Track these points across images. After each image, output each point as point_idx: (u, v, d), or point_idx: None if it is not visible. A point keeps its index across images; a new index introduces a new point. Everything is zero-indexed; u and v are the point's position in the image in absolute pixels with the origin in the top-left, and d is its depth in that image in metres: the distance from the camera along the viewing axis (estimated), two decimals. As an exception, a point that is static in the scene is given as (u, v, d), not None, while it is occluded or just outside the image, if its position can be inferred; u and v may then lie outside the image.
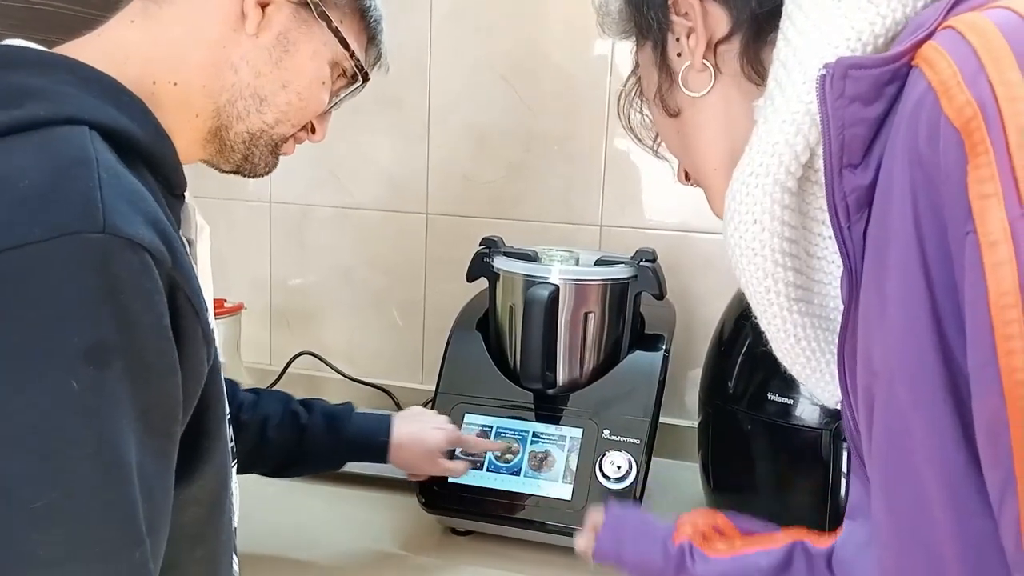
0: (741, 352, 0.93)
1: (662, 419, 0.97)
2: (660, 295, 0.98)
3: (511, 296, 0.99)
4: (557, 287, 0.93)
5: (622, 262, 0.99)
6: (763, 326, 0.52)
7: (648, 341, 1.00)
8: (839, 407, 0.54)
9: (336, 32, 0.64)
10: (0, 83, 0.49)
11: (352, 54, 0.66)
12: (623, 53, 0.66)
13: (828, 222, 0.47)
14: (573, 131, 1.22)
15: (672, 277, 1.01)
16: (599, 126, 1.20)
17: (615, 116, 1.18)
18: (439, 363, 1.02)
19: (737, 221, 0.49)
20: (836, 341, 0.51)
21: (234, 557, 0.63)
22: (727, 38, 0.52)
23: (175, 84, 0.58)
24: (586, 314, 0.96)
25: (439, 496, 0.93)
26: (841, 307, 0.49)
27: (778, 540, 0.68)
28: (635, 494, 0.89)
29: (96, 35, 0.58)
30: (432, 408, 0.99)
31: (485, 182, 1.26)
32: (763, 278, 0.49)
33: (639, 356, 0.99)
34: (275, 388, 1.30)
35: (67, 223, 0.43)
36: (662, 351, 0.98)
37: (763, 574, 0.66)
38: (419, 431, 0.91)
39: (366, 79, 0.69)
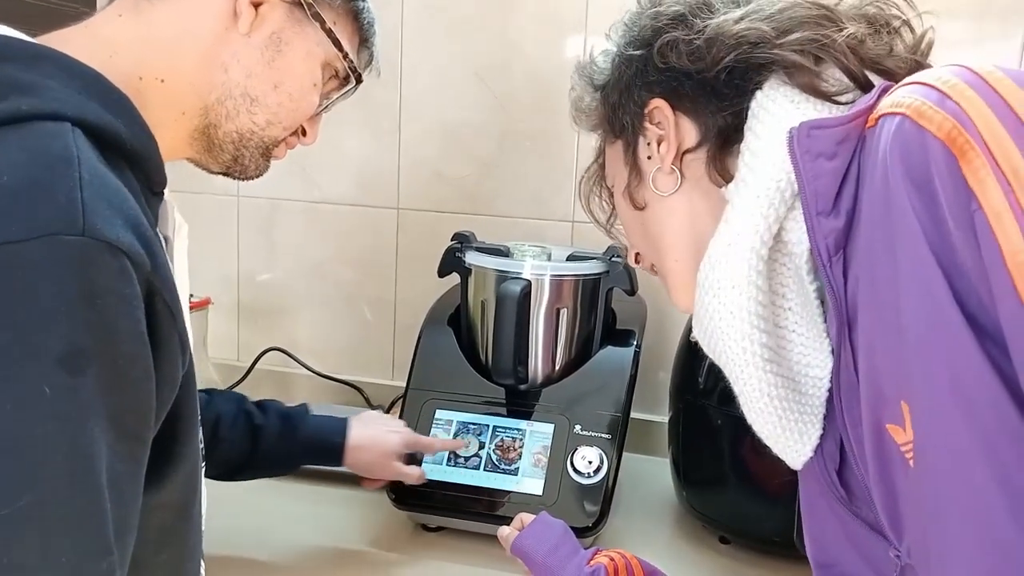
0: (711, 348, 0.94)
1: (633, 414, 0.97)
2: (632, 291, 0.99)
3: (483, 291, 0.98)
4: (529, 282, 0.93)
5: (594, 258, 0.99)
6: (737, 388, 0.56)
7: (620, 337, 1.01)
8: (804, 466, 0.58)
9: (330, 33, 0.63)
10: None
11: (346, 55, 0.65)
12: (597, 50, 0.68)
13: (788, 295, 0.54)
14: (545, 127, 1.22)
15: (643, 273, 1.01)
16: (571, 122, 1.20)
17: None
18: (410, 359, 1.02)
19: (716, 288, 0.54)
20: (803, 402, 0.55)
21: (201, 562, 0.62)
22: (694, 148, 0.59)
23: (163, 81, 0.57)
24: (558, 309, 0.96)
25: (409, 493, 0.92)
26: (806, 372, 0.55)
27: None
28: (606, 489, 0.89)
29: (82, 27, 0.57)
30: (403, 404, 0.99)
31: (457, 178, 1.26)
32: (740, 339, 0.54)
33: (611, 352, 0.99)
34: (240, 385, 1.29)
35: (46, 224, 0.41)
36: (633, 346, 0.99)
37: None
38: (375, 434, 0.90)
39: (359, 81, 0.68)
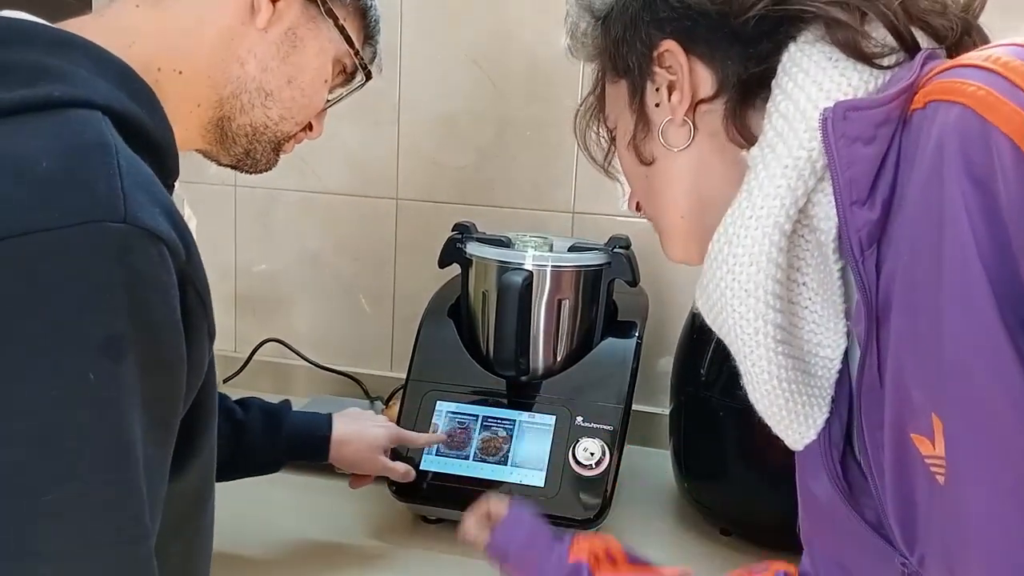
0: (713, 339, 0.93)
1: (635, 406, 0.96)
2: (633, 282, 0.98)
3: (484, 282, 0.97)
4: (531, 273, 0.92)
5: (596, 248, 0.99)
6: (745, 368, 0.53)
7: (621, 328, 1.00)
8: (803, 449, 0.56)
9: (342, 30, 0.64)
10: (14, 59, 0.47)
11: (357, 52, 0.66)
12: None
13: (805, 270, 0.50)
14: (545, 116, 1.21)
15: (645, 264, 1.00)
16: (571, 111, 1.19)
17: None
18: (409, 351, 1.01)
19: (732, 263, 0.50)
20: (811, 383, 0.52)
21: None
22: (711, 99, 0.53)
23: (180, 72, 0.58)
24: (560, 301, 0.96)
25: (410, 485, 0.91)
26: (816, 352, 0.52)
27: (666, 572, 0.70)
28: (608, 481, 0.89)
29: (98, 16, 0.57)
30: (403, 395, 0.98)
31: (456, 167, 1.25)
32: (753, 319, 0.50)
33: (612, 343, 0.98)
34: (238, 376, 1.29)
35: (88, 210, 0.41)
36: (635, 338, 0.98)
37: None
38: (360, 428, 0.89)
39: (369, 77, 0.69)
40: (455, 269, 1.02)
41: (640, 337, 0.99)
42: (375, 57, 0.72)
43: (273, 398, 0.91)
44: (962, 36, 0.50)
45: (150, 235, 0.43)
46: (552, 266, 0.95)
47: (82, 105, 0.46)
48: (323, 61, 0.65)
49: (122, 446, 0.43)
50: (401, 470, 0.90)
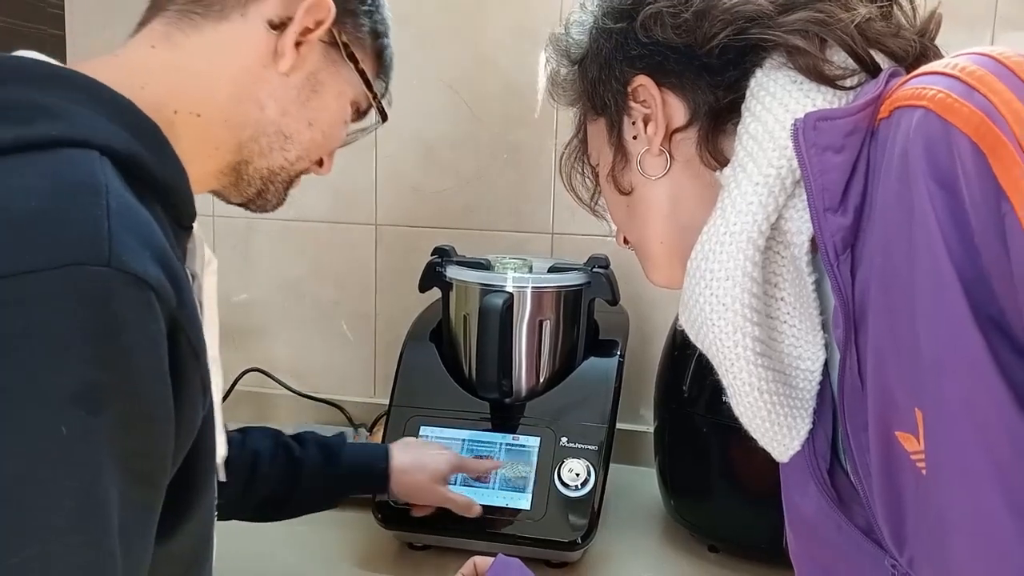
0: (695, 356, 0.93)
1: (619, 425, 0.97)
2: (614, 301, 0.99)
3: (465, 305, 0.98)
4: (512, 295, 0.93)
5: (575, 269, 0.99)
6: (727, 381, 0.54)
7: (603, 347, 1.00)
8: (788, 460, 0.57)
9: (362, 74, 0.64)
10: (12, 96, 0.45)
11: (375, 96, 0.66)
12: (572, 19, 0.66)
13: (782, 284, 0.51)
14: (521, 139, 1.22)
15: (625, 283, 1.01)
16: (547, 133, 1.20)
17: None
18: (392, 376, 1.01)
19: (709, 278, 0.52)
20: (792, 395, 0.54)
21: None
22: (684, 127, 0.56)
23: (198, 115, 0.56)
24: (541, 322, 0.96)
25: (396, 512, 0.91)
26: (797, 364, 0.53)
27: None
28: (594, 501, 0.89)
29: (112, 57, 0.56)
30: (387, 421, 0.97)
31: (434, 192, 1.25)
32: (732, 332, 0.51)
33: (594, 363, 0.99)
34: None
35: (70, 253, 0.39)
36: (617, 357, 0.98)
37: None
38: (419, 456, 0.88)
39: (385, 119, 0.70)
40: (436, 293, 1.02)
41: (622, 356, 0.99)
42: (385, 94, 0.72)
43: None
44: (919, 57, 0.52)
45: (136, 280, 0.41)
46: (532, 287, 0.95)
47: (79, 144, 0.44)
48: (342, 103, 0.64)
49: (94, 506, 0.40)
50: (463, 502, 0.88)
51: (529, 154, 1.21)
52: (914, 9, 0.54)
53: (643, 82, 0.56)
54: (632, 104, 0.58)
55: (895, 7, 0.53)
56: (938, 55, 0.53)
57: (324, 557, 0.92)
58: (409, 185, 1.26)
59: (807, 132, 0.47)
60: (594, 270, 0.98)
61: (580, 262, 1.01)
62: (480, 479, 0.92)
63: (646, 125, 0.57)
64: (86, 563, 0.40)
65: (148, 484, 0.44)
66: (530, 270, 1.00)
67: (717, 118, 0.54)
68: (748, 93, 0.52)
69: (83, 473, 0.40)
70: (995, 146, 0.38)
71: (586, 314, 0.99)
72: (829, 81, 0.50)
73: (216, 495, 0.55)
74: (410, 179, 1.26)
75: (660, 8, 0.54)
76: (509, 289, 0.93)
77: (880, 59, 0.51)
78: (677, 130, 0.56)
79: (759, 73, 0.52)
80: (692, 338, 0.55)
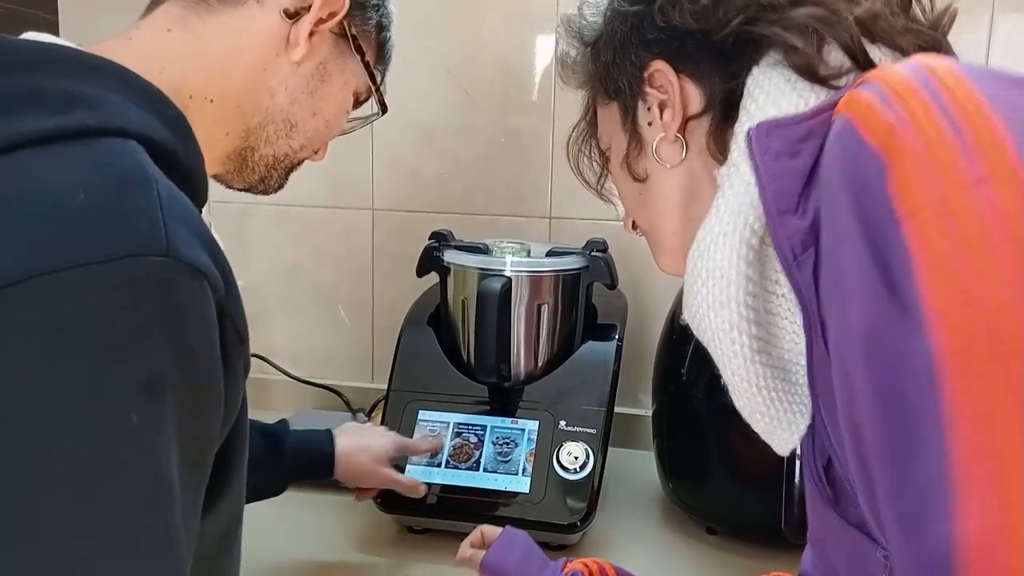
0: (693, 340, 0.93)
1: (617, 409, 0.97)
2: (612, 285, 0.98)
3: (463, 290, 0.97)
4: (510, 279, 0.92)
5: (574, 253, 0.99)
6: (726, 377, 0.54)
7: (601, 331, 1.00)
8: (791, 454, 0.57)
9: (368, 66, 0.65)
10: (45, 85, 0.45)
11: (378, 88, 0.68)
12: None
13: (781, 281, 0.51)
14: (519, 124, 1.21)
15: (623, 267, 1.01)
16: (545, 117, 1.20)
17: (561, 107, 1.18)
18: (390, 361, 1.01)
19: (705, 277, 0.52)
20: (792, 391, 0.54)
21: None
22: (699, 115, 0.55)
23: (211, 100, 0.57)
24: (539, 306, 0.96)
25: (395, 496, 0.91)
26: (798, 360, 0.53)
27: None
28: (593, 484, 0.89)
29: (127, 39, 0.56)
30: (385, 406, 0.98)
31: (431, 176, 1.25)
32: (728, 330, 0.51)
33: (593, 346, 0.99)
34: None
35: (129, 245, 0.40)
36: (615, 340, 0.98)
37: None
38: (363, 440, 0.88)
39: (385, 110, 0.71)
40: (433, 278, 1.02)
41: (620, 339, 0.99)
42: (382, 85, 0.73)
43: (252, 413, 0.90)
44: (932, 52, 0.52)
45: (192, 269, 0.41)
46: (531, 271, 0.95)
47: (116, 134, 0.44)
48: (347, 94, 0.66)
49: (163, 489, 0.41)
50: (407, 483, 0.88)
51: (527, 139, 1.21)
52: (932, 2, 0.53)
53: (660, 67, 0.56)
54: (648, 89, 0.57)
55: (914, 1, 0.53)
56: (950, 51, 0.53)
57: (323, 541, 0.92)
58: (407, 170, 1.26)
59: (760, 139, 0.48)
60: (592, 254, 0.98)
61: (578, 246, 1.01)
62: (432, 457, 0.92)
63: (662, 111, 0.57)
64: (158, 545, 0.41)
65: (199, 467, 0.45)
66: (528, 254, 0.99)
67: (729, 107, 0.54)
68: (745, 91, 0.52)
69: (153, 457, 0.40)
70: (897, 157, 0.39)
71: (584, 298, 0.99)
72: (822, 81, 0.50)
73: (246, 475, 0.55)
74: (408, 164, 1.25)
75: None
76: (507, 273, 0.93)
77: (886, 54, 0.51)
78: (692, 117, 0.56)
79: (755, 70, 0.52)
80: (695, 334, 0.56)
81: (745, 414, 0.56)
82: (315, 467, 0.86)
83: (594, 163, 0.69)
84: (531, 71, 1.20)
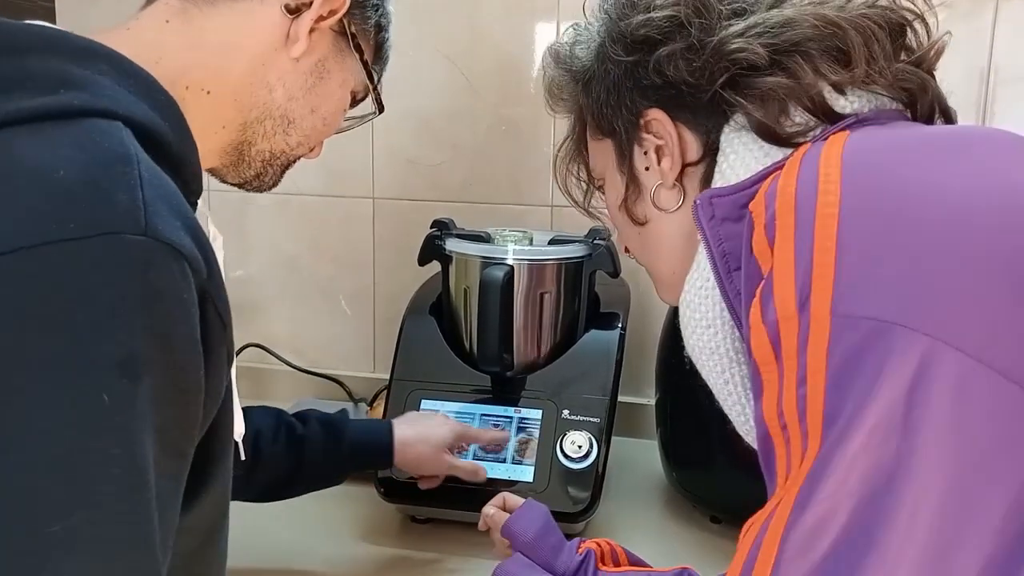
0: (696, 328, 0.93)
1: (620, 397, 0.96)
2: (615, 273, 0.98)
3: (465, 279, 0.97)
4: (512, 268, 0.92)
5: (576, 241, 0.98)
6: (725, 409, 0.57)
7: (604, 320, 1.00)
8: None
9: (366, 65, 0.65)
10: (36, 66, 0.45)
11: (375, 87, 0.67)
12: (572, 28, 0.66)
13: None
14: (520, 112, 1.20)
15: (627, 256, 1.00)
16: (545, 104, 1.19)
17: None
18: (392, 351, 1.00)
19: (694, 326, 0.55)
20: None
21: None
22: (697, 162, 0.57)
23: (208, 92, 0.56)
24: (542, 294, 0.95)
25: (398, 485, 0.91)
26: None
27: (666, 570, 0.72)
28: (597, 473, 0.89)
29: (124, 29, 0.56)
30: (387, 395, 0.97)
31: (432, 165, 1.24)
32: (721, 372, 0.55)
33: (596, 335, 0.98)
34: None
35: (108, 221, 0.39)
36: (618, 329, 0.98)
37: None
38: (423, 428, 0.88)
39: (382, 110, 0.71)
40: (435, 267, 1.01)
41: (623, 328, 0.99)
42: (379, 85, 0.73)
43: (254, 404, 0.89)
44: (918, 91, 0.54)
45: (172, 250, 0.41)
46: (533, 260, 0.95)
47: (101, 115, 0.44)
48: (344, 92, 0.65)
49: (136, 473, 0.40)
50: (469, 468, 0.88)
51: (527, 126, 1.20)
52: (928, 32, 0.55)
53: (657, 116, 0.57)
54: (644, 135, 0.58)
55: (909, 30, 0.54)
56: (936, 90, 0.55)
57: (327, 531, 0.92)
58: (406, 158, 1.25)
59: (704, 207, 0.51)
60: (595, 242, 0.98)
61: (580, 234, 1.00)
62: (488, 449, 0.91)
63: (659, 158, 0.58)
64: (130, 529, 0.41)
65: (178, 454, 0.44)
66: (530, 242, 0.99)
67: (718, 155, 0.56)
68: (720, 148, 0.55)
69: (126, 441, 0.40)
70: (756, 221, 0.45)
71: (587, 286, 0.99)
72: (785, 141, 0.52)
73: (232, 469, 0.55)
74: (407, 152, 1.25)
75: (675, 50, 0.55)
76: (510, 262, 0.93)
77: (865, 99, 0.53)
78: (690, 164, 0.57)
79: (726, 128, 0.54)
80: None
81: (748, 440, 0.58)
82: (375, 457, 0.86)
83: (582, 182, 0.71)
84: (531, 58, 1.19)
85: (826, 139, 0.49)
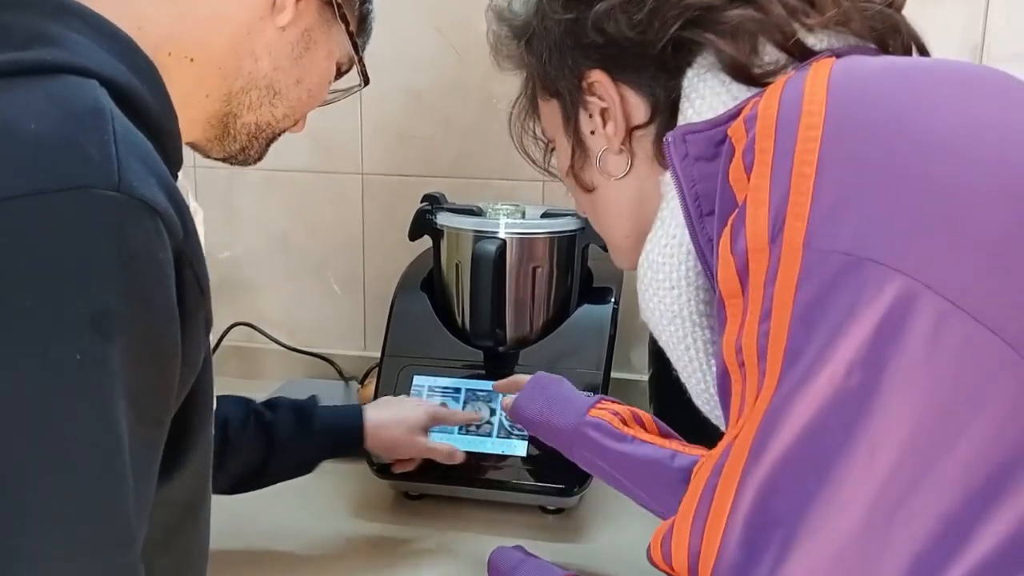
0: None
1: (613, 373, 0.96)
2: (606, 245, 0.97)
3: (457, 253, 0.96)
4: (504, 242, 0.91)
5: (569, 215, 0.97)
6: (683, 378, 0.55)
7: (597, 294, 0.99)
8: None
9: (352, 36, 0.64)
10: (13, 22, 0.44)
11: (361, 58, 0.67)
12: None
13: None
14: (512, 85, 1.18)
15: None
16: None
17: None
18: (382, 328, 0.99)
19: (655, 288, 0.53)
20: None
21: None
22: (645, 124, 0.55)
23: (192, 60, 0.55)
24: (534, 268, 0.94)
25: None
26: None
27: (692, 450, 0.70)
28: (590, 448, 0.88)
29: None
30: (379, 371, 0.96)
31: (422, 139, 1.22)
32: (683, 338, 0.53)
33: (589, 310, 0.97)
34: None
35: (80, 176, 0.38)
36: (611, 304, 0.97)
37: (670, 473, 0.67)
38: (396, 411, 0.87)
39: (367, 82, 0.70)
40: (426, 242, 1.00)
41: (616, 303, 0.98)
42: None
43: (243, 383, 0.89)
44: (889, 31, 0.51)
45: (146, 207, 0.40)
46: (525, 234, 0.94)
47: (78, 72, 0.43)
48: (330, 63, 0.65)
49: (109, 438, 0.39)
50: (446, 451, 0.87)
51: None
52: None
53: (599, 78, 0.55)
54: (588, 98, 0.56)
55: None
56: (908, 27, 0.52)
57: (319, 508, 0.92)
58: (395, 132, 1.23)
59: (677, 145, 0.48)
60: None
61: (573, 208, 0.99)
62: (469, 429, 0.91)
63: (604, 121, 0.56)
64: (104, 493, 0.40)
65: (153, 421, 0.43)
66: (523, 216, 0.98)
67: (673, 113, 0.53)
68: (682, 95, 0.52)
69: (99, 401, 0.39)
70: (736, 146, 0.43)
71: (580, 261, 0.98)
72: (756, 81, 0.50)
73: (212, 442, 0.54)
74: (396, 126, 1.23)
75: (614, 4, 0.52)
76: (502, 236, 0.92)
77: (833, 38, 0.51)
78: (637, 127, 0.55)
79: (689, 72, 0.52)
80: (653, 334, 0.57)
81: (705, 410, 0.57)
82: (346, 440, 0.85)
83: (539, 141, 0.68)
84: (523, 30, 1.17)
85: (810, 66, 0.46)
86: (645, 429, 0.71)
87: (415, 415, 0.86)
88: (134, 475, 0.41)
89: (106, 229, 0.38)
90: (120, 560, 0.41)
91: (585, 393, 0.77)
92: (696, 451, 0.69)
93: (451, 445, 0.88)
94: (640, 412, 0.73)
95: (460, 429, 0.91)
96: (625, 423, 0.71)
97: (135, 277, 0.39)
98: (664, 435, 0.72)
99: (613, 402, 0.74)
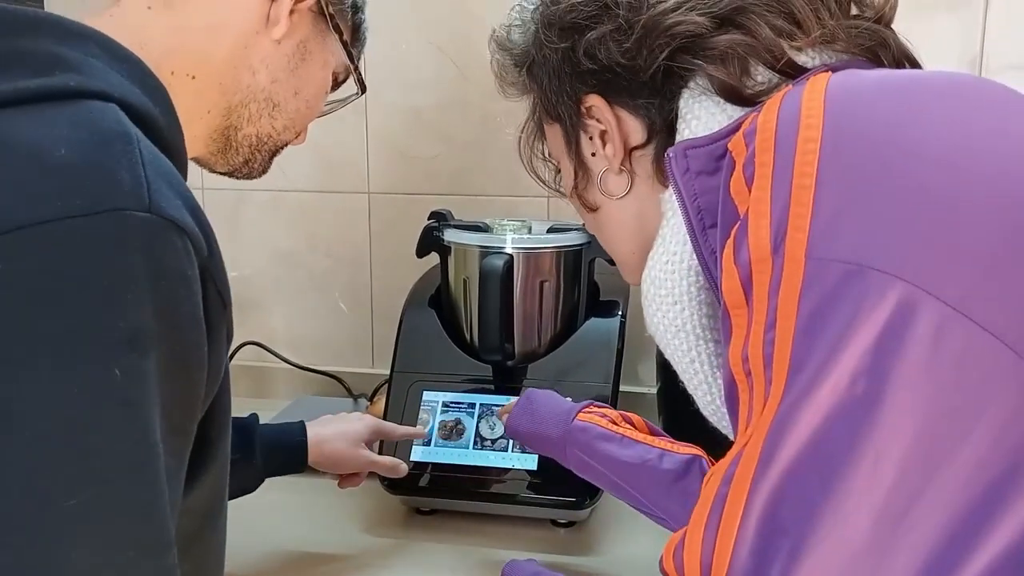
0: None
1: (621, 386, 0.96)
2: (614, 261, 0.97)
3: (464, 269, 0.96)
4: (512, 257, 0.92)
5: (575, 229, 0.98)
6: (690, 390, 0.56)
7: (604, 308, 1.00)
8: None
9: (346, 45, 0.65)
10: (29, 47, 0.45)
11: (356, 67, 0.68)
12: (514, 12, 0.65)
13: None
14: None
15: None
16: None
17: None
18: (390, 345, 1.00)
19: (659, 303, 0.53)
20: None
21: None
22: (643, 145, 0.56)
23: (193, 77, 0.57)
24: (542, 283, 0.95)
25: (402, 477, 0.90)
26: None
27: (681, 448, 0.71)
28: (601, 461, 0.88)
29: (108, 16, 0.56)
30: (389, 388, 0.97)
31: (426, 158, 1.23)
32: (687, 351, 0.53)
33: (596, 323, 0.98)
34: None
35: (112, 199, 0.39)
36: (619, 317, 0.98)
37: (660, 473, 0.69)
38: (337, 425, 0.87)
39: (364, 90, 0.71)
40: (433, 259, 1.01)
41: (624, 316, 0.98)
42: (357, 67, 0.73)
43: (253, 402, 0.88)
44: (879, 46, 0.52)
45: (175, 227, 0.41)
46: (532, 249, 0.94)
47: (97, 96, 0.44)
48: (326, 74, 0.66)
49: (148, 448, 0.41)
50: (388, 463, 0.87)
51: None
52: None
53: (596, 102, 0.57)
54: (587, 121, 0.58)
55: None
56: (898, 42, 0.53)
57: (331, 524, 0.92)
58: (400, 151, 1.24)
59: (679, 160, 0.49)
60: (593, 230, 0.97)
61: (579, 222, 1.00)
62: (485, 444, 0.91)
63: (604, 143, 0.57)
64: (143, 503, 0.41)
65: (182, 432, 0.45)
66: (529, 231, 0.98)
67: (671, 133, 0.54)
68: (679, 116, 0.53)
69: (138, 416, 0.40)
70: (736, 160, 0.44)
71: (587, 274, 0.99)
72: (749, 101, 0.51)
73: (229, 452, 0.55)
74: (401, 145, 1.24)
75: (604, 33, 0.54)
76: (509, 251, 0.92)
77: (825, 55, 0.51)
78: (636, 148, 0.56)
79: (684, 95, 0.53)
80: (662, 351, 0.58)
81: (712, 420, 0.58)
82: (289, 457, 0.84)
83: (548, 162, 0.70)
84: (525, 48, 1.18)
85: (807, 80, 0.47)
86: (635, 428, 0.73)
87: (356, 429, 0.86)
88: (167, 482, 0.42)
89: (139, 250, 0.40)
90: (159, 565, 0.42)
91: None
92: (686, 449, 0.71)
93: (394, 459, 0.87)
94: (631, 414, 0.74)
95: (474, 443, 0.91)
96: (614, 423, 0.72)
97: (166, 294, 0.41)
98: (654, 434, 0.73)
99: (602, 407, 0.76)
